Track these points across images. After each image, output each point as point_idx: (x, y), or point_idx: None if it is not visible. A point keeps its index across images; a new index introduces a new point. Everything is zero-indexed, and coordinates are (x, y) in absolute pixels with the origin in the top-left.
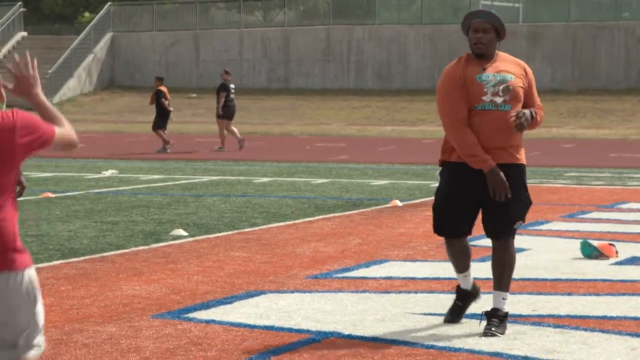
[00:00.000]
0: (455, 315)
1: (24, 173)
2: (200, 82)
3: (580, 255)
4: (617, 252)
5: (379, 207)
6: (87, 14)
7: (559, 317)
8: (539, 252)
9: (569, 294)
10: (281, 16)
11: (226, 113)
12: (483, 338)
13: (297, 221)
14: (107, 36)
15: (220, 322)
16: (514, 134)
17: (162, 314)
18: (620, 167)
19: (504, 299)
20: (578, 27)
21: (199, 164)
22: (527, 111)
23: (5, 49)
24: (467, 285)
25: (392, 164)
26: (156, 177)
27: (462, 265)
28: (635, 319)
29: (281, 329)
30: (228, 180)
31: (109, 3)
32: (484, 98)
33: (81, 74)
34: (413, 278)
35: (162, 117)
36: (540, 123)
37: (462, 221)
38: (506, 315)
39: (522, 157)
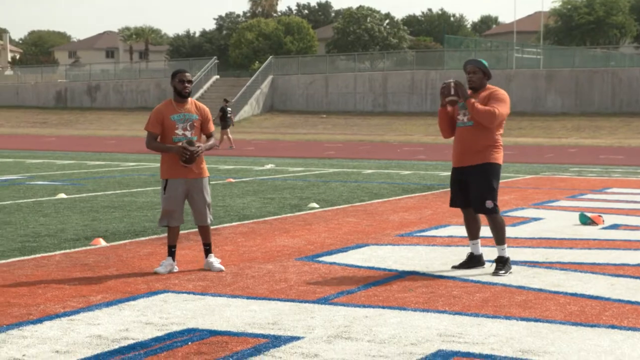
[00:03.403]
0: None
1: (216, 166)
2: (328, 108)
3: (578, 222)
4: (603, 221)
5: (444, 190)
6: (257, 64)
7: (563, 263)
8: (551, 220)
9: (570, 248)
10: (382, 64)
11: (224, 125)
12: (511, 276)
13: (390, 199)
14: (269, 78)
15: (339, 264)
16: (476, 141)
17: (301, 258)
18: (608, 165)
19: (502, 249)
20: (580, 71)
21: (327, 160)
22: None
23: (205, 87)
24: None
25: None
26: (299, 169)
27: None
28: (615, 265)
29: (379, 268)
30: (345, 171)
31: (270, 56)
32: (458, 117)
33: (252, 102)
34: (466, 236)
35: None
36: (483, 113)
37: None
38: (507, 258)
39: (489, 158)
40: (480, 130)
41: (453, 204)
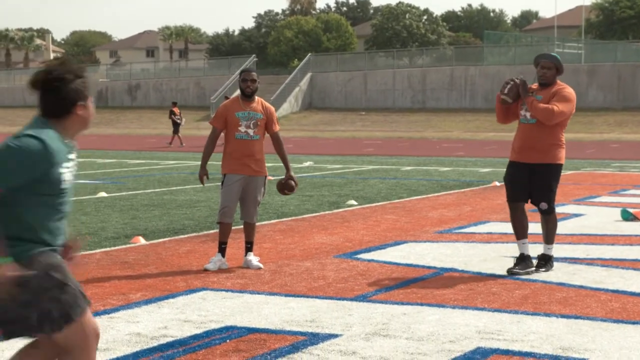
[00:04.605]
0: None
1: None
2: (367, 105)
3: (620, 218)
4: None
5: (484, 186)
6: (295, 61)
7: (605, 259)
8: (592, 216)
9: (612, 244)
10: (421, 60)
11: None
12: (551, 273)
13: (429, 195)
14: (308, 75)
15: (377, 261)
16: (542, 139)
17: (339, 255)
18: None
19: (549, 248)
20: (622, 65)
21: (366, 157)
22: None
23: None
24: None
25: (494, 157)
26: (337, 166)
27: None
28: None
29: (417, 265)
30: (384, 168)
31: (309, 54)
32: (521, 113)
33: (291, 100)
34: (506, 233)
35: (175, 126)
36: (543, 110)
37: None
38: (551, 257)
39: (553, 158)
40: (544, 128)
41: (514, 198)
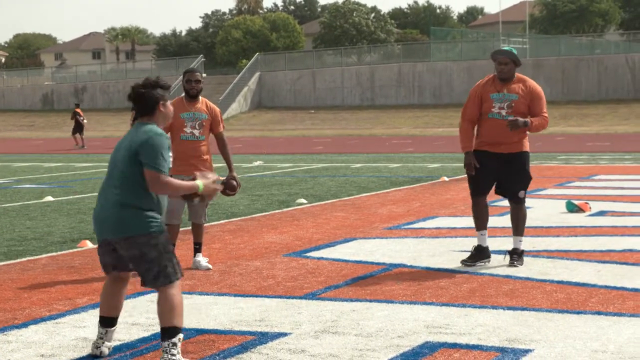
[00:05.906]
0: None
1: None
2: (316, 103)
3: (565, 210)
4: (590, 208)
5: (432, 181)
6: (244, 61)
7: (550, 251)
8: (538, 208)
9: (557, 236)
10: (369, 58)
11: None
12: (497, 266)
13: (378, 192)
14: (257, 75)
15: (327, 258)
16: (513, 133)
17: (289, 254)
18: (594, 152)
19: (520, 241)
20: (566, 59)
21: (315, 155)
22: (520, 119)
23: None
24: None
25: (442, 153)
26: (287, 165)
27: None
28: (601, 251)
29: (366, 262)
30: (334, 166)
31: (257, 53)
32: (493, 110)
33: (240, 99)
34: (454, 228)
35: (78, 127)
36: (540, 127)
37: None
38: (523, 251)
39: (525, 147)
40: None
41: (482, 192)
